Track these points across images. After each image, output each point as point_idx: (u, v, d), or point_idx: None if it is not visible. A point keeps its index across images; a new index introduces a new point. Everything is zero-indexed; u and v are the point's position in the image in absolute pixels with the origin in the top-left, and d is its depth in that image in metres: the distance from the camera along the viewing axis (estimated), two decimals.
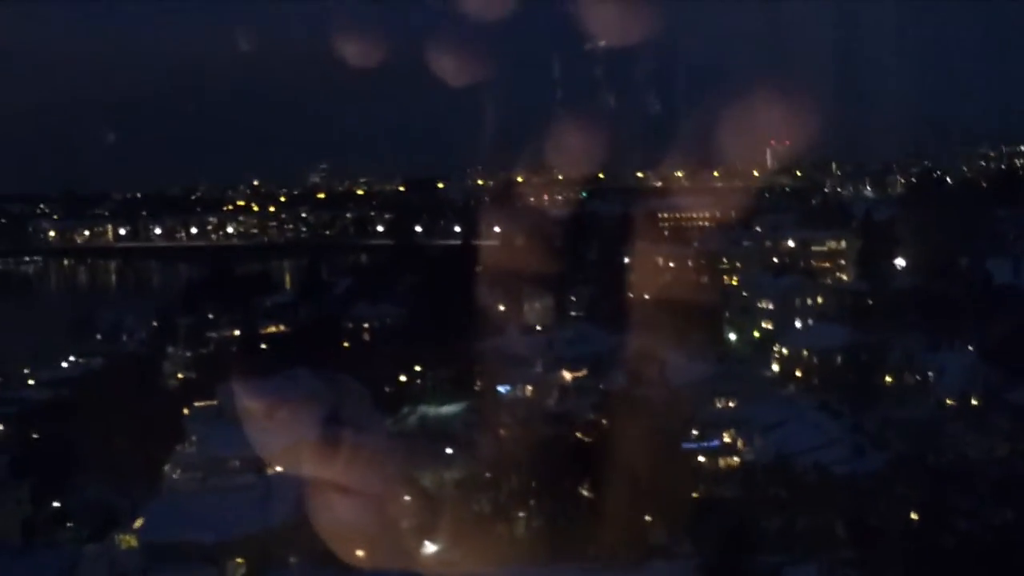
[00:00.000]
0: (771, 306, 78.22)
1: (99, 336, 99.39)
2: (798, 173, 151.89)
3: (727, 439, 56.25)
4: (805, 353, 68.59)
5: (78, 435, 60.03)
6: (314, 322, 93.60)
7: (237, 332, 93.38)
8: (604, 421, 55.62)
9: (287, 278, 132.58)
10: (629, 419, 50.64)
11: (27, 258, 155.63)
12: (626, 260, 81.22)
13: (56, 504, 54.63)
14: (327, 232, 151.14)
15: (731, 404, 60.86)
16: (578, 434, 55.33)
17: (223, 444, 52.07)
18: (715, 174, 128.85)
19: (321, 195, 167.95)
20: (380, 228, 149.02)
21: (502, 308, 77.92)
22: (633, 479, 44.48)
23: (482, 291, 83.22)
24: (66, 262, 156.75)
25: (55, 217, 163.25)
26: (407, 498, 47.42)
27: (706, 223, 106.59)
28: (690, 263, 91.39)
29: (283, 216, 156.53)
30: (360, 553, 39.15)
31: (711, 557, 41.91)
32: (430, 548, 45.52)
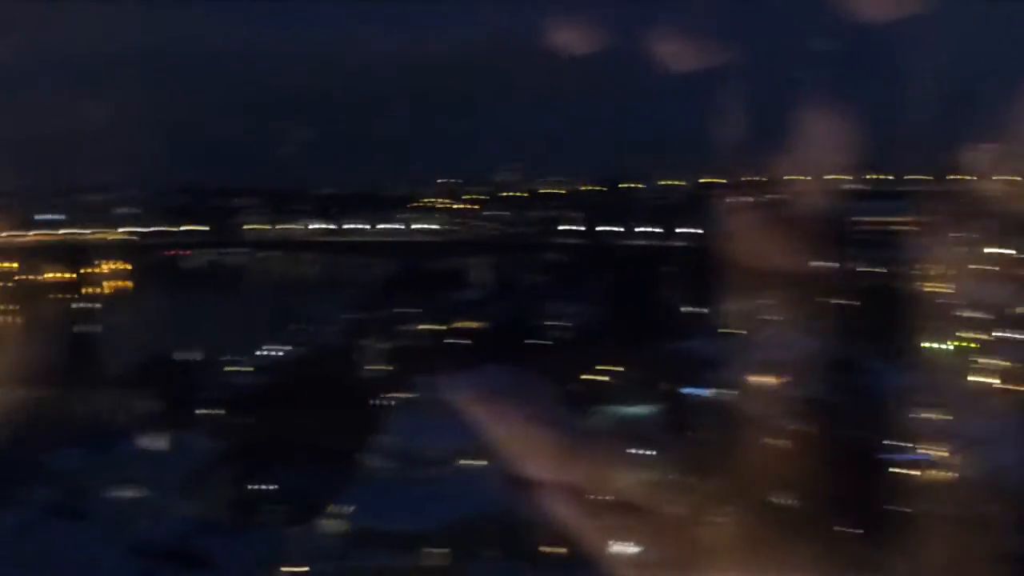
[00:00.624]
0: (981, 315, 74.92)
1: (298, 327, 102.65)
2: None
3: (931, 451, 54.18)
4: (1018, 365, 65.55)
5: (282, 421, 62.11)
6: (505, 319, 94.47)
7: (430, 327, 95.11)
8: (801, 428, 54.30)
9: (479, 275, 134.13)
10: (827, 427, 49.31)
11: (233, 250, 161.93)
12: (819, 264, 79.15)
13: (262, 486, 56.69)
14: (519, 230, 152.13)
15: (936, 415, 58.56)
16: (774, 440, 54.15)
17: (422, 436, 53.14)
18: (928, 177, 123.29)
19: (514, 193, 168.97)
20: (572, 227, 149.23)
21: (695, 310, 77.03)
22: (831, 489, 43.27)
23: (675, 292, 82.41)
24: (268, 254, 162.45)
25: (259, 211, 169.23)
26: (602, 497, 47.25)
27: (909, 227, 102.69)
28: (891, 268, 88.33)
29: (476, 213, 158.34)
30: (556, 550, 39.20)
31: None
32: (625, 550, 45.22)
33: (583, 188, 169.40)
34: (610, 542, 44.02)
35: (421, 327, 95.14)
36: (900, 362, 64.63)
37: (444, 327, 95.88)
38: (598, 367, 73.45)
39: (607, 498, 48.10)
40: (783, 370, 67.20)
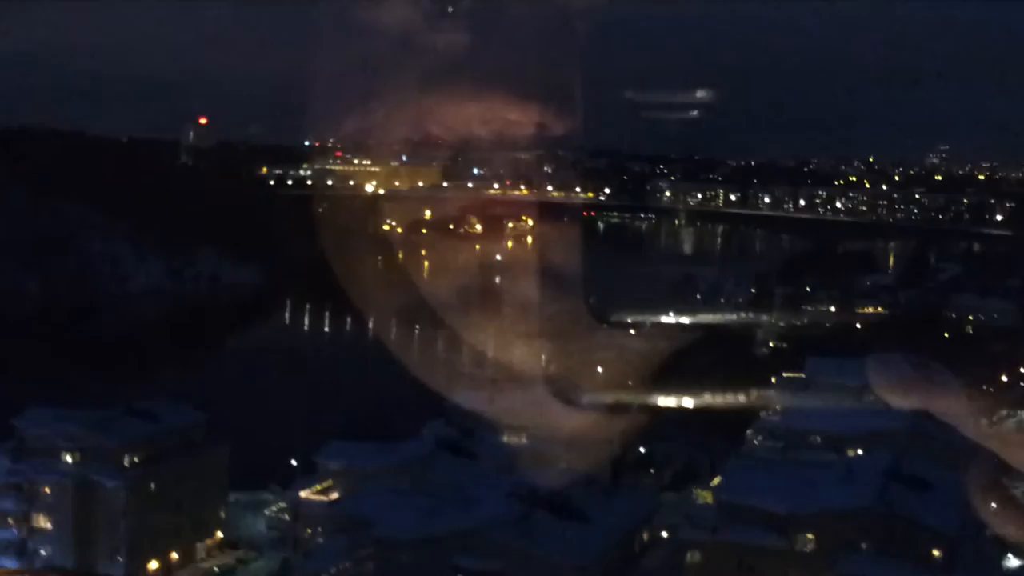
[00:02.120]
0: None
1: (699, 296, 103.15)
2: None
3: None
4: None
5: (672, 388, 62.82)
6: (914, 308, 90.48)
7: (833, 308, 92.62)
8: None
9: (890, 259, 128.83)
10: None
11: (642, 214, 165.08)
12: None
13: (642, 450, 57.64)
14: (940, 216, 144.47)
15: None
16: None
17: (807, 418, 51.86)
18: None
19: (938, 177, 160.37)
20: (999, 217, 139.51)
21: None
22: None
23: None
24: (676, 221, 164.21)
25: (673, 178, 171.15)
26: (1003, 507, 44.04)
27: None
28: None
29: (895, 196, 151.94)
30: (936, 552, 37.08)
31: None
32: (1013, 562, 42.16)
33: (1018, 175, 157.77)
34: (998, 551, 41.22)
35: (826, 308, 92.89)
36: None
37: (850, 310, 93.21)
38: (1013, 368, 68.86)
39: (1007, 508, 44.81)
40: None
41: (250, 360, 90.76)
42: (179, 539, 50.78)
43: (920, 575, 36.19)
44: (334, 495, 47.12)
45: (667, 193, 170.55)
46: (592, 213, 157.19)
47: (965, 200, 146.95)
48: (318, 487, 47.71)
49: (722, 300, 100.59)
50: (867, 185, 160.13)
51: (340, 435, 50.28)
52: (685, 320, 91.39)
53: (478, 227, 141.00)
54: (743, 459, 48.47)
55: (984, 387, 63.72)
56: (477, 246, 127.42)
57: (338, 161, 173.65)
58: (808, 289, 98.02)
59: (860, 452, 47.31)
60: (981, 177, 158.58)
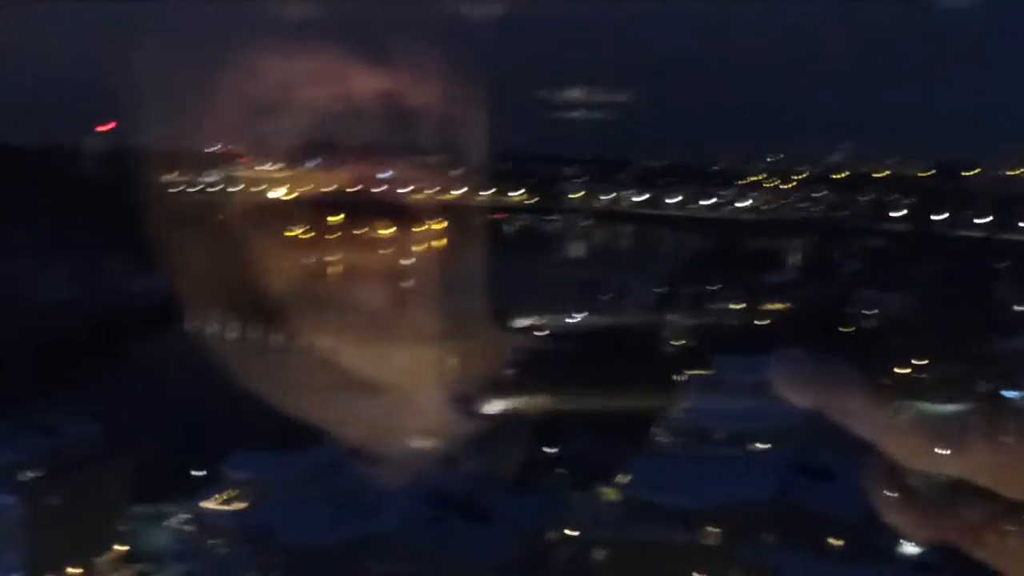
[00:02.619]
0: None
1: (607, 296, 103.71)
2: None
3: None
4: None
5: (578, 387, 62.94)
6: (818, 303, 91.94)
7: (739, 306, 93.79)
8: None
9: (795, 257, 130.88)
10: None
11: (551, 216, 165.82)
12: None
13: (551, 449, 57.81)
14: (842, 213, 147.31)
15: None
16: None
17: (712, 414, 52.50)
18: None
19: (840, 175, 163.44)
20: (897, 213, 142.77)
21: None
22: None
23: (1003, 288, 77.37)
24: (585, 223, 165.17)
25: (581, 180, 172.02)
26: (893, 494, 45.01)
27: None
28: None
29: (799, 194, 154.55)
30: (835, 542, 37.86)
31: None
32: (909, 549, 43.06)
33: (920, 173, 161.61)
34: (895, 539, 42.05)
35: (729, 306, 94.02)
36: None
37: (752, 307, 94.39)
38: (912, 360, 70.28)
39: (897, 495, 45.81)
40: None
41: (153, 369, 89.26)
42: (79, 554, 49.76)
43: (822, 563, 36.89)
44: (239, 505, 46.66)
45: (576, 194, 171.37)
46: (501, 215, 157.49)
47: (866, 197, 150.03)
48: (222, 497, 47.21)
49: (630, 300, 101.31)
50: (771, 184, 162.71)
51: (244, 444, 49.79)
52: (593, 320, 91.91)
53: (385, 230, 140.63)
54: (649, 456, 49.02)
55: (883, 379, 64.93)
56: (384, 250, 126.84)
57: (244, 167, 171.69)
58: (715, 287, 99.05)
59: (764, 446, 48.11)
60: (882, 174, 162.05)
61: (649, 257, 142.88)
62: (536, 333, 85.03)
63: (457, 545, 39.29)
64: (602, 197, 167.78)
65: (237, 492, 46.67)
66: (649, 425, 54.66)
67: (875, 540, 40.12)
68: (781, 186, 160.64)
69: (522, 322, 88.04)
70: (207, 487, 48.33)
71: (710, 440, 49.95)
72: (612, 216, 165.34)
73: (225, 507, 46.30)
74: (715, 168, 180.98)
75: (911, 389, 65.17)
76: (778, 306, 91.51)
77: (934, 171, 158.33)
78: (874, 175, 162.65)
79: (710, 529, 39.27)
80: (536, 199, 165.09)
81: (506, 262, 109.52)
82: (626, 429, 56.22)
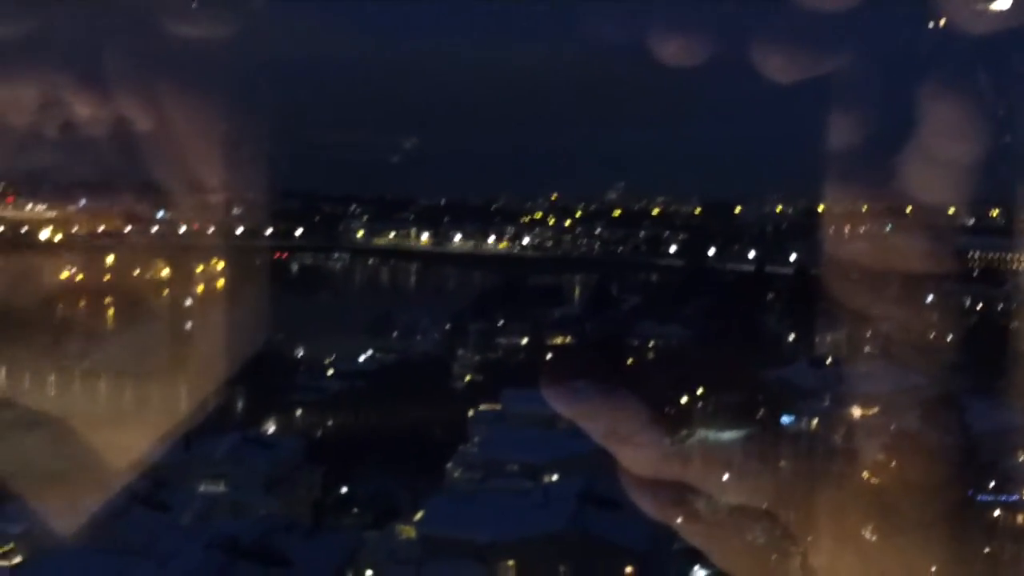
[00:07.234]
0: None
1: (395, 334, 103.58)
2: None
3: None
4: None
5: (369, 426, 62.53)
6: (599, 337, 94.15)
7: (525, 340, 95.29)
8: (893, 463, 52.86)
9: (576, 291, 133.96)
10: (920, 463, 47.88)
11: (336, 255, 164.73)
12: (927, 297, 77.28)
13: (344, 490, 57.19)
14: (619, 249, 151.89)
15: None
16: (864, 474, 52.84)
17: (504, 447, 53.06)
18: None
19: (617, 212, 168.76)
20: (672, 248, 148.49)
21: (792, 338, 75.90)
22: (919, 526, 41.98)
23: (772, 319, 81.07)
24: (370, 261, 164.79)
25: (364, 218, 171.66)
26: (681, 520, 46.49)
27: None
28: (1000, 305, 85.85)
29: (578, 231, 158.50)
30: (630, 571, 38.75)
31: None
32: (700, 573, 44.50)
33: (690, 210, 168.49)
34: (686, 565, 43.38)
35: (516, 341, 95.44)
36: (1005, 401, 62.79)
37: (539, 341, 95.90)
38: (692, 390, 72.57)
39: (689, 522, 47.29)
40: (882, 403, 65.74)
41: None
42: None
43: None
44: (16, 559, 44.14)
45: (360, 232, 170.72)
46: (285, 255, 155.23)
47: (642, 233, 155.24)
48: None
49: (418, 336, 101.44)
50: (552, 221, 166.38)
51: (20, 494, 47.23)
52: (380, 357, 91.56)
53: (164, 272, 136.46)
54: (443, 492, 49.12)
55: (663, 408, 66.84)
56: (162, 292, 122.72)
57: (9, 207, 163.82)
58: (501, 323, 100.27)
59: (555, 477, 48.90)
60: (655, 211, 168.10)
61: (435, 294, 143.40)
62: (325, 371, 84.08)
63: None
64: (387, 235, 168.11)
65: (13, 546, 44.18)
66: (442, 461, 54.80)
67: (666, 567, 41.31)
68: (561, 223, 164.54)
69: (308, 359, 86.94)
70: None
71: (503, 473, 50.43)
72: (397, 254, 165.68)
73: (2, 562, 43.75)
74: (496, 206, 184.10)
75: (693, 417, 67.47)
76: (563, 340, 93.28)
77: (700, 208, 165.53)
78: (648, 212, 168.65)
79: (507, 562, 39.62)
80: (320, 237, 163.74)
81: (289, 300, 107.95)
82: (419, 466, 56.17)
